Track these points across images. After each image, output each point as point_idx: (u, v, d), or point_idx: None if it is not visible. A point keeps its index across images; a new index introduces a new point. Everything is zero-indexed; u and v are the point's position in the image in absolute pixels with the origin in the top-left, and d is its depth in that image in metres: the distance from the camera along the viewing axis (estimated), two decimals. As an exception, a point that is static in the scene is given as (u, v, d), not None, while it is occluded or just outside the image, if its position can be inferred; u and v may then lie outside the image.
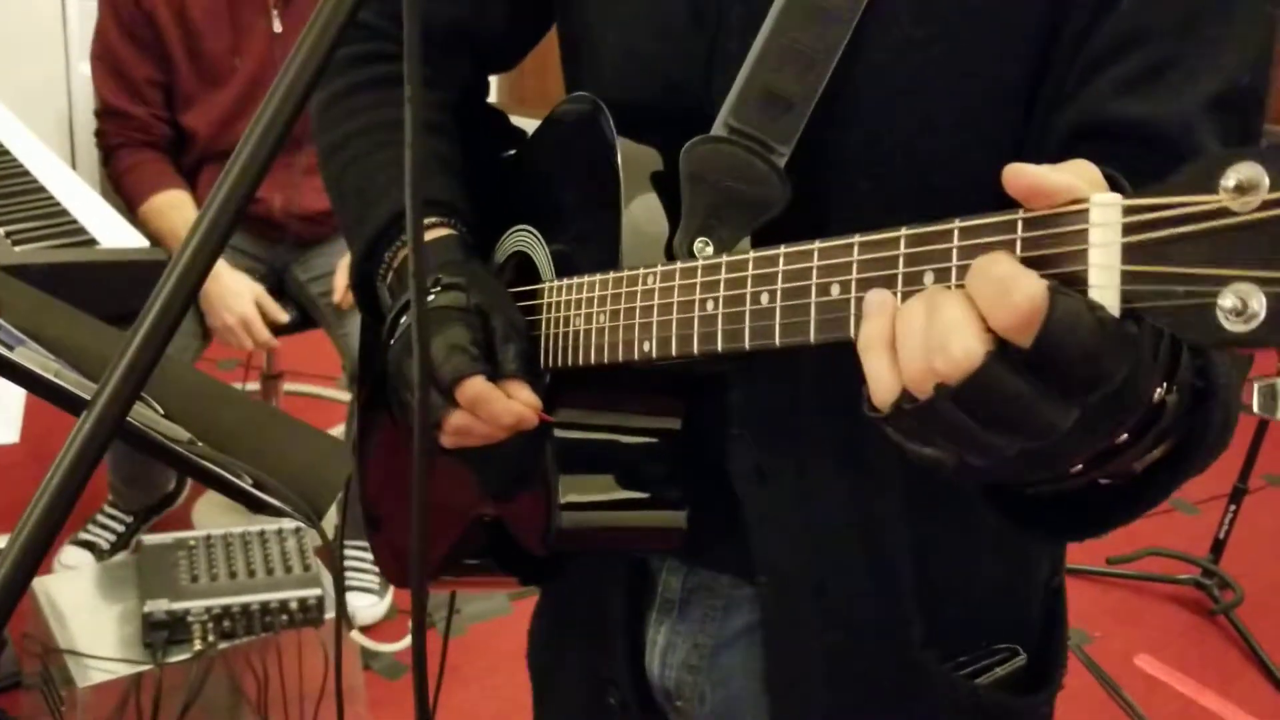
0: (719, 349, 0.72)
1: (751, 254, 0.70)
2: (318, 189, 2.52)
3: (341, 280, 2.41)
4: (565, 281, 0.86)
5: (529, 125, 1.04)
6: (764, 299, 0.68)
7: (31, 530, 0.60)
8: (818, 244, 0.65)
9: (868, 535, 0.88)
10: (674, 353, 0.75)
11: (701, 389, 0.87)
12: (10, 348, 0.89)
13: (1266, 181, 0.48)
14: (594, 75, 0.95)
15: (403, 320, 0.89)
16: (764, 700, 0.94)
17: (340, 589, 1.29)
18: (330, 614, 1.91)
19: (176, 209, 2.36)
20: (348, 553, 2.59)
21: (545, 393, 0.87)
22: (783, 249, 0.67)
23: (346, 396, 3.33)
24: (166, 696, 1.80)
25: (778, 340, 0.67)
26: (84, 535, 2.64)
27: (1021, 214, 0.55)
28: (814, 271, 0.65)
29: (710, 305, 0.72)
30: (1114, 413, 0.58)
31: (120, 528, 2.67)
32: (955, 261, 0.57)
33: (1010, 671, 0.94)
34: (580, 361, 0.84)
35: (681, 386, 0.88)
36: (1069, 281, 0.53)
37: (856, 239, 0.63)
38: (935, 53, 0.78)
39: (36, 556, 0.59)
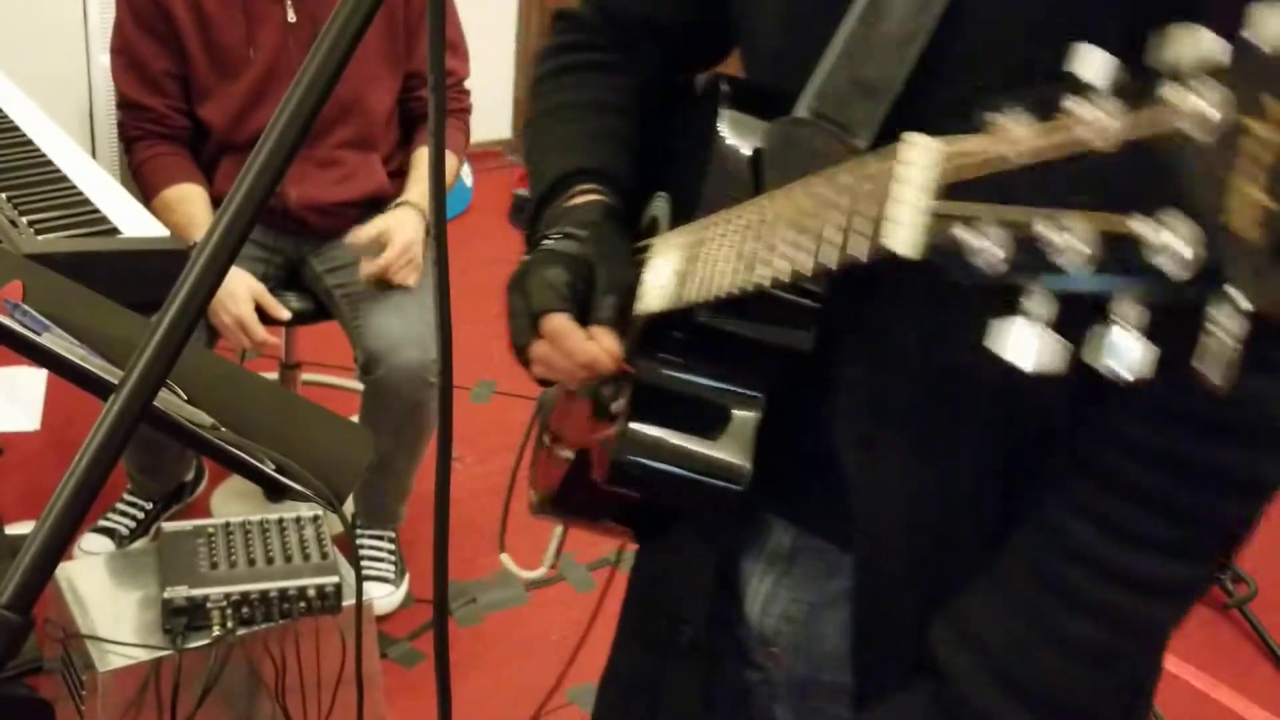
0: (770, 282, 0.74)
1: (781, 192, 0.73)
2: (334, 181, 2.55)
3: (368, 269, 2.43)
4: (660, 238, 0.95)
5: None
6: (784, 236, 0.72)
7: (61, 510, 0.61)
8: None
9: (964, 507, 0.90)
10: (727, 289, 0.79)
11: (809, 357, 0.89)
12: (37, 333, 0.90)
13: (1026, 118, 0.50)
14: (745, 61, 1.03)
15: (524, 258, 0.98)
16: (850, 662, 0.98)
17: (359, 576, 1.30)
18: (347, 601, 1.92)
19: (185, 203, 2.37)
20: (364, 541, 2.61)
21: (636, 344, 0.93)
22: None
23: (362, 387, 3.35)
24: (186, 682, 1.82)
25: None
26: (104, 522, 2.66)
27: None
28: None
29: (748, 244, 0.76)
30: None
31: (140, 515, 2.69)
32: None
33: None
34: (658, 308, 0.90)
35: (775, 357, 0.90)
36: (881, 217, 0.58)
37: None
38: (1019, 46, 0.79)
39: (66, 536, 0.60)
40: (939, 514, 0.91)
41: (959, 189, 0.53)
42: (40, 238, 1.67)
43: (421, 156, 2.60)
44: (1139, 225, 0.46)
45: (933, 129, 0.82)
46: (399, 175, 2.66)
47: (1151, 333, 0.48)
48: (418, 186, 2.55)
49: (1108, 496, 0.81)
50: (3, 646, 0.59)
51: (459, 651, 2.61)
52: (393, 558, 2.63)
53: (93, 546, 2.59)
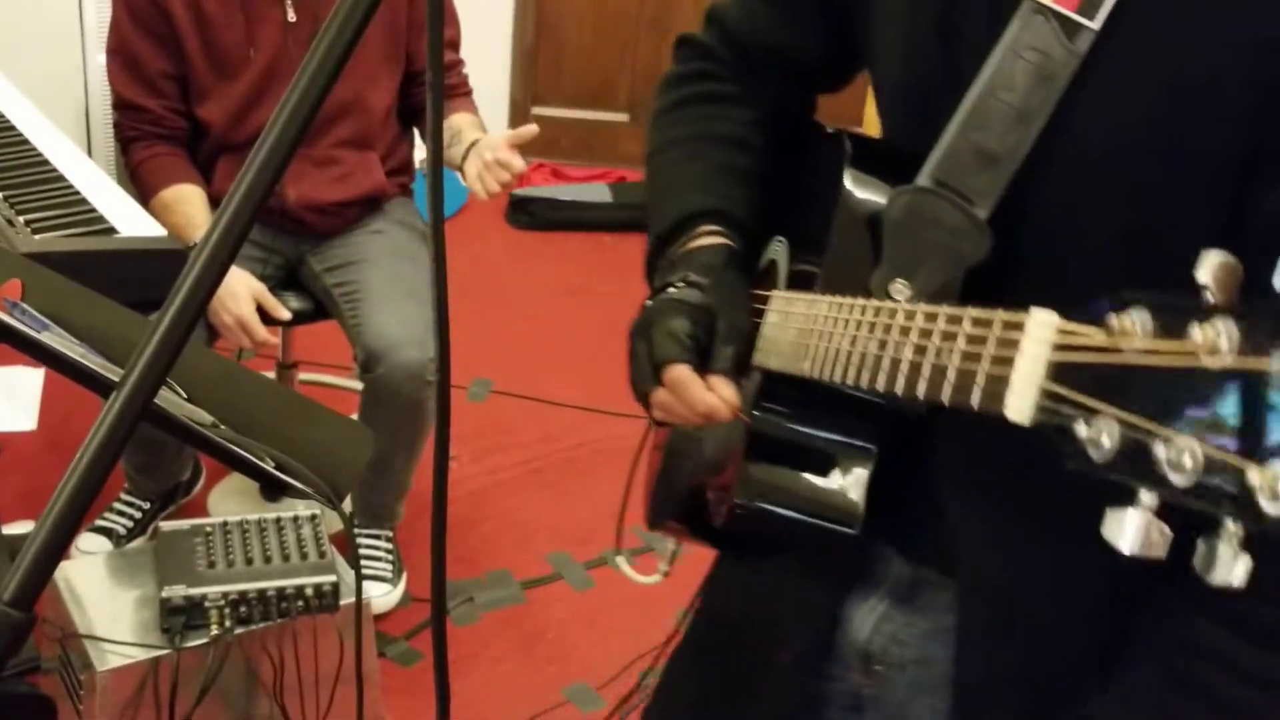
0: (857, 383, 0.78)
1: (903, 306, 0.76)
2: (331, 180, 2.55)
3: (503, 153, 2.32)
4: (781, 293, 0.98)
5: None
6: (890, 348, 0.75)
7: (62, 507, 0.62)
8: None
9: (1062, 561, 0.90)
10: (823, 375, 0.83)
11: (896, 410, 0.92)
12: (37, 332, 0.90)
13: (1151, 327, 0.53)
14: (882, 112, 1.02)
15: (647, 305, 1.01)
16: (949, 690, 1.00)
17: (359, 574, 1.30)
18: (345, 600, 1.93)
19: (184, 204, 2.37)
20: (361, 540, 2.61)
21: (753, 393, 0.97)
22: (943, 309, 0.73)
23: (360, 386, 3.35)
24: (184, 681, 1.82)
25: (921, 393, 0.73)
26: (101, 522, 2.66)
27: (970, 311, 0.65)
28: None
29: (854, 343, 0.80)
30: None
31: (137, 514, 2.69)
32: (959, 345, 0.66)
33: None
34: (776, 367, 0.94)
35: (889, 417, 0.93)
36: (996, 382, 0.61)
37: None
38: (1144, 124, 0.80)
39: (68, 533, 0.61)
40: (1031, 570, 0.92)
41: (1068, 370, 0.57)
42: (37, 237, 1.67)
43: (460, 120, 2.54)
44: (1254, 475, 0.48)
45: (1050, 203, 0.85)
46: (397, 173, 2.67)
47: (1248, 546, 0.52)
48: (471, 134, 2.47)
49: (1239, 597, 0.81)
50: (5, 643, 0.60)
51: (456, 650, 2.60)
52: (390, 557, 2.63)
53: (90, 546, 2.59)
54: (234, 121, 2.44)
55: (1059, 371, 0.57)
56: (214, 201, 2.43)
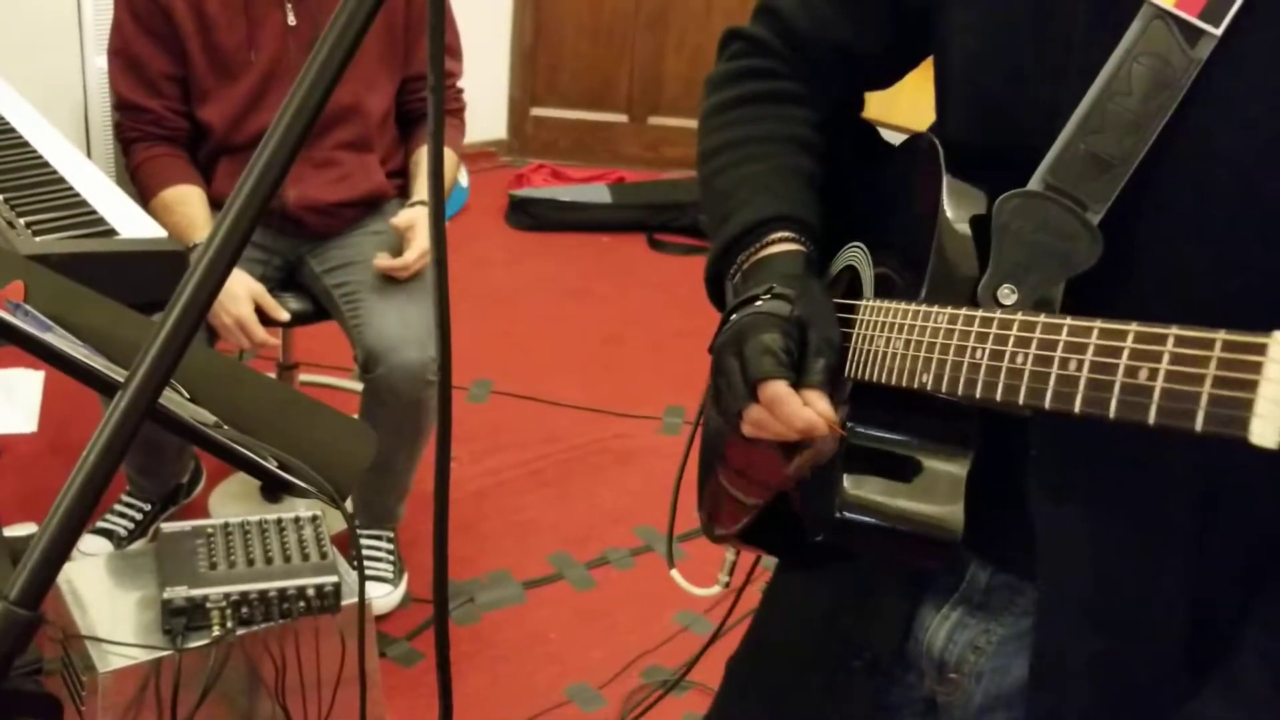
0: (979, 396, 0.78)
1: (1019, 317, 0.76)
2: (331, 182, 2.56)
3: (383, 264, 2.45)
4: (876, 303, 0.94)
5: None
6: (1018, 360, 0.75)
7: (68, 507, 0.62)
8: (1099, 323, 0.71)
9: (1149, 564, 0.90)
10: (943, 390, 0.82)
11: (990, 412, 0.90)
12: (40, 333, 0.90)
13: None
14: (946, 102, 1.01)
15: (733, 317, 0.99)
16: (1022, 701, 0.99)
17: (361, 575, 1.31)
18: (346, 601, 1.93)
19: (184, 205, 2.38)
20: (362, 541, 2.62)
21: (845, 404, 0.95)
22: (1068, 320, 0.73)
23: (360, 387, 3.35)
24: (186, 681, 1.82)
25: (1043, 401, 0.73)
26: (103, 524, 2.66)
27: (1223, 334, 0.62)
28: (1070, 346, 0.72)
29: (979, 355, 0.79)
30: None
31: (138, 516, 2.69)
32: (1165, 365, 0.64)
33: None
34: (873, 378, 0.92)
35: (975, 412, 0.92)
36: (1241, 405, 0.59)
37: (1098, 324, 0.70)
38: (1264, 132, 0.79)
39: (73, 533, 0.61)
40: (1121, 568, 0.91)
41: None
42: (38, 239, 1.68)
43: (423, 156, 2.61)
44: None
45: (1162, 210, 0.84)
46: (396, 175, 2.67)
47: None
48: (425, 185, 2.56)
49: None
50: (12, 641, 0.60)
51: (457, 650, 2.61)
52: (391, 557, 2.64)
53: (91, 548, 2.59)
54: (234, 124, 2.45)
55: None
56: (213, 203, 2.43)
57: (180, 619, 1.84)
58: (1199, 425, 0.61)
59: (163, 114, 2.43)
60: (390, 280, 2.47)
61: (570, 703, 2.42)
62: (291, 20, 2.41)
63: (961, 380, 0.80)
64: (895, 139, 1.08)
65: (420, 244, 2.45)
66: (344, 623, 1.95)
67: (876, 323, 0.93)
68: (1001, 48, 0.93)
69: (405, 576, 2.65)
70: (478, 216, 4.59)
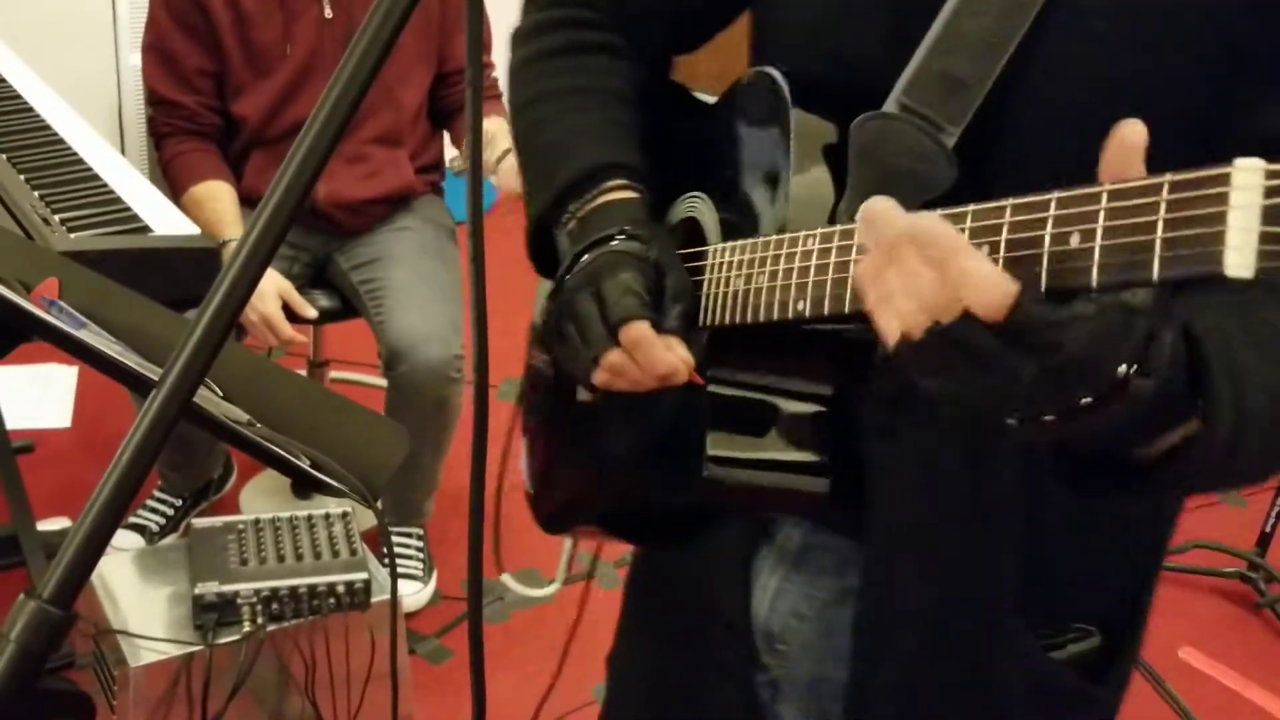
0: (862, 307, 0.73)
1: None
2: (361, 178, 2.55)
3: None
4: (731, 244, 0.90)
5: None
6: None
7: (102, 506, 0.62)
8: (971, 207, 0.67)
9: (981, 499, 0.89)
10: (825, 311, 0.77)
11: (842, 351, 0.88)
12: (74, 329, 0.90)
13: None
14: (777, 50, 0.98)
15: (584, 258, 0.93)
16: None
17: (394, 572, 1.30)
18: (376, 598, 1.93)
19: (214, 200, 2.39)
20: (392, 538, 2.62)
21: (701, 354, 0.91)
22: (938, 212, 0.69)
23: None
24: (216, 677, 1.83)
25: None
26: (134, 519, 2.68)
27: (1168, 177, 0.58)
28: (966, 233, 0.67)
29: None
30: (1066, 377, 0.64)
31: (170, 511, 2.70)
32: (1101, 223, 0.60)
33: (1083, 650, 0.96)
34: (737, 320, 0.87)
35: (828, 353, 0.89)
36: (1209, 242, 0.56)
37: (1009, 201, 0.65)
38: (1115, 46, 0.79)
39: (107, 532, 0.61)
40: (952, 510, 0.90)
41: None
42: (73, 236, 1.68)
43: (491, 125, 2.51)
44: None
45: (1017, 132, 0.82)
46: (426, 171, 2.67)
47: None
48: (505, 140, 2.47)
49: None
50: (45, 640, 0.60)
51: (486, 648, 2.60)
52: (421, 554, 2.64)
53: (123, 543, 2.61)
54: (269, 117, 2.46)
55: (1274, 215, 0.55)
56: (243, 199, 2.44)
57: (211, 614, 1.84)
58: (1156, 273, 0.58)
59: (195, 109, 2.44)
60: (416, 277, 2.47)
61: (597, 702, 2.41)
62: (328, 13, 2.42)
63: (847, 296, 0.75)
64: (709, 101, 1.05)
65: (498, 145, 2.41)
66: (374, 619, 1.95)
67: (733, 263, 0.89)
68: None
69: (434, 574, 2.65)
70: (507, 214, 4.59)
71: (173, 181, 2.44)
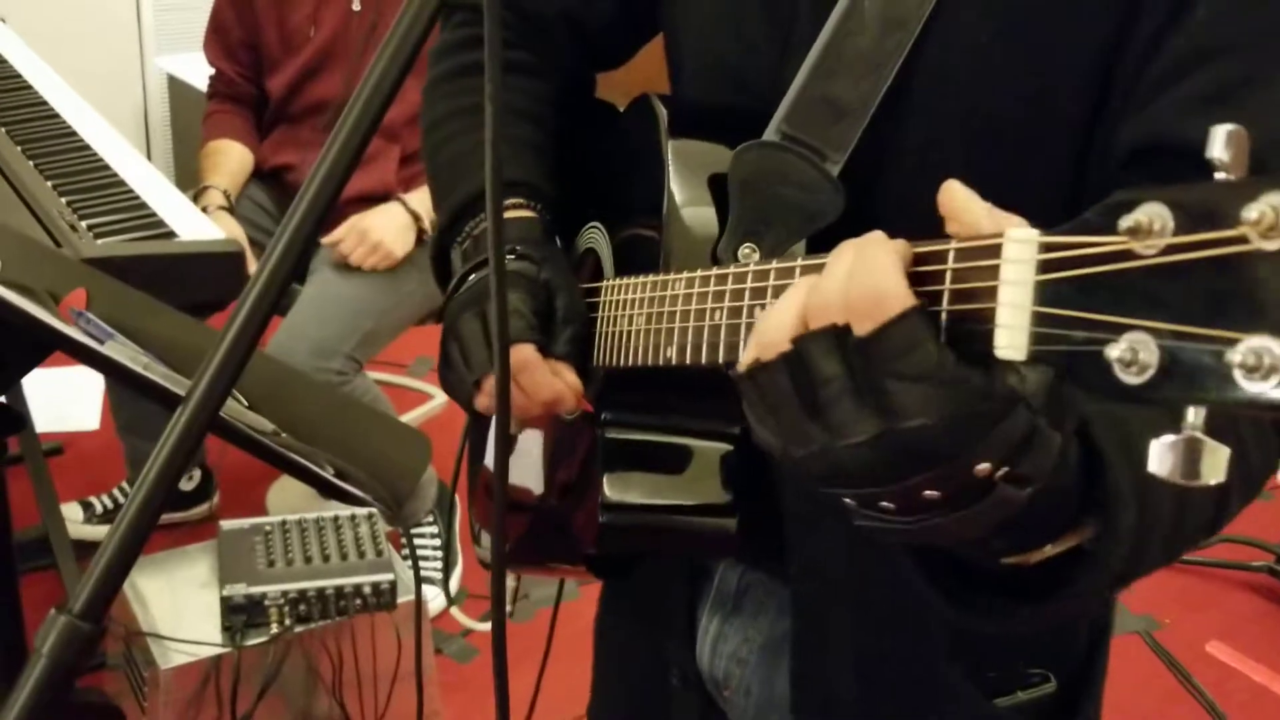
0: (722, 360, 0.69)
1: (753, 267, 0.67)
2: (364, 173, 2.56)
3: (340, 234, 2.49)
4: (616, 281, 0.86)
5: None
6: (758, 314, 0.65)
7: (131, 521, 0.62)
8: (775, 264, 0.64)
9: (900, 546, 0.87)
10: (689, 361, 0.73)
11: None
12: (101, 341, 0.91)
13: (1171, 224, 0.44)
14: (683, 74, 0.95)
15: (470, 278, 0.90)
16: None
17: (418, 576, 1.31)
18: (402, 598, 1.94)
19: (216, 154, 2.59)
20: (418, 540, 2.62)
21: (597, 391, 0.87)
22: (799, 261, 0.64)
23: (414, 383, 3.37)
24: (245, 678, 1.85)
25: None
26: (90, 498, 2.67)
27: (954, 244, 0.53)
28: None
29: (718, 315, 0.70)
30: (914, 453, 0.54)
31: (124, 500, 2.67)
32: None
33: (1036, 697, 0.91)
34: (621, 363, 0.83)
35: (729, 390, 0.87)
36: (983, 318, 0.50)
37: (799, 262, 0.62)
38: (997, 58, 0.76)
39: (137, 546, 0.62)
40: (876, 551, 0.84)
41: (1062, 289, 0.47)
42: (99, 242, 1.69)
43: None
44: None
45: (905, 150, 0.78)
46: (409, 162, 2.68)
47: None
48: (420, 192, 2.56)
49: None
50: (76, 654, 0.60)
51: (511, 647, 2.60)
52: (438, 554, 2.64)
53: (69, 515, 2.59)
54: (290, 93, 2.62)
55: (1052, 293, 0.48)
56: (258, 169, 2.64)
57: (240, 616, 1.86)
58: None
59: (234, 78, 2.68)
60: (329, 286, 2.50)
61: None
62: (356, 6, 2.57)
63: (704, 347, 0.71)
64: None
65: (360, 225, 2.49)
66: (400, 619, 1.96)
67: (617, 301, 0.84)
68: (730, 13, 0.88)
69: (459, 567, 2.66)
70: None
71: (203, 139, 2.67)
